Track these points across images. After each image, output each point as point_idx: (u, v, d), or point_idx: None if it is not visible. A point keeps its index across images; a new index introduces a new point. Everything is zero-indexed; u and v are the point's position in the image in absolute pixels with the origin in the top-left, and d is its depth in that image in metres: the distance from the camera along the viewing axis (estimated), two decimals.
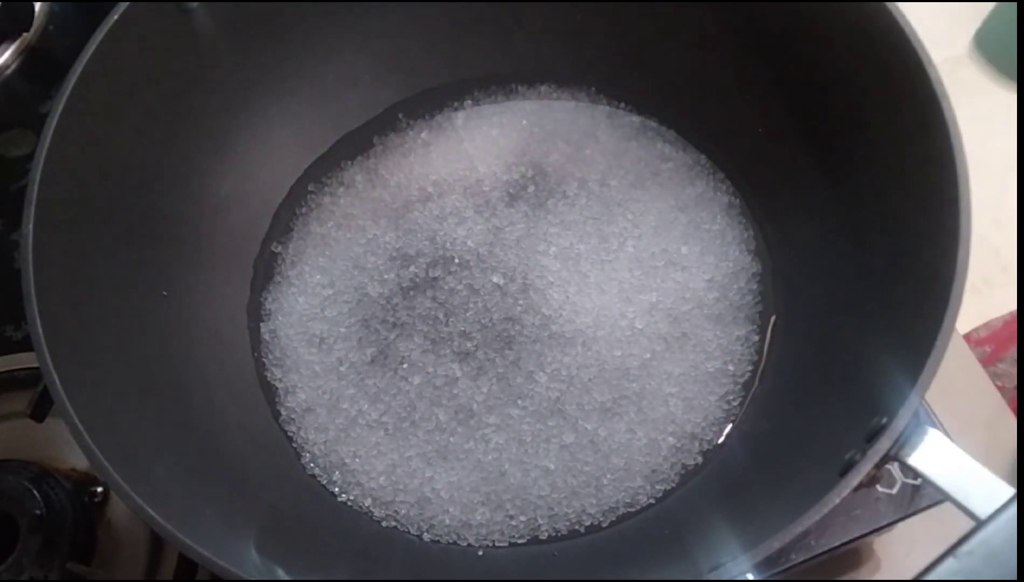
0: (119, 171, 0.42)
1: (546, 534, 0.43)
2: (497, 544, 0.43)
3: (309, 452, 0.45)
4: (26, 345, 0.45)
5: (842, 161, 0.43)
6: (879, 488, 0.40)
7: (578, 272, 0.48)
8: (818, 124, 0.44)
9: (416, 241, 0.50)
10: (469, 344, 0.47)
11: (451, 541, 0.43)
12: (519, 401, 0.45)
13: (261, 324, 0.48)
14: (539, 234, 0.49)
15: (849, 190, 0.43)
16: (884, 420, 0.31)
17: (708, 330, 0.46)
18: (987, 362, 0.50)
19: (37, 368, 0.34)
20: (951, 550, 0.28)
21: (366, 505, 0.44)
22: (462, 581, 0.42)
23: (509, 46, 0.52)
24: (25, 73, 0.58)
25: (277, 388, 0.47)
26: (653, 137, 0.51)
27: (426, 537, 0.43)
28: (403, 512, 0.44)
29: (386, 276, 0.49)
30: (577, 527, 0.43)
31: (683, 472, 0.44)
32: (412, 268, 0.49)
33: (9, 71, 0.58)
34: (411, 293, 0.48)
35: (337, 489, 0.44)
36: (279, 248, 0.50)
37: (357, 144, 0.53)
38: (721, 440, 0.44)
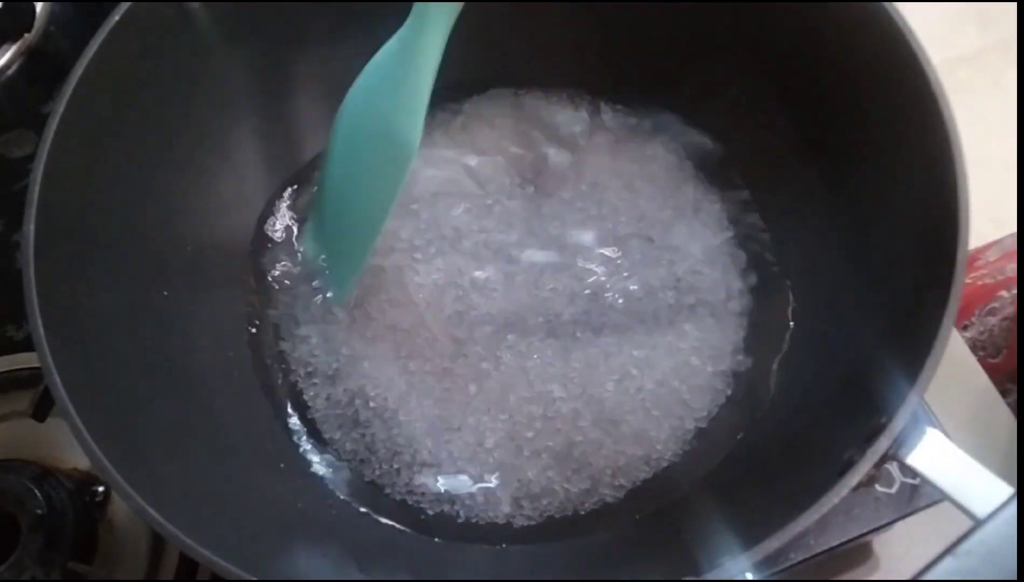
0: (120, 171, 0.42)
1: (534, 522, 0.43)
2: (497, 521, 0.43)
3: (311, 450, 0.45)
4: (27, 345, 0.45)
5: (841, 161, 0.43)
6: (878, 487, 0.40)
7: (578, 269, 0.48)
8: (817, 125, 0.44)
9: (427, 249, 0.50)
10: (471, 347, 0.47)
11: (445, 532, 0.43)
12: (519, 399, 0.45)
13: (262, 324, 0.48)
14: (539, 233, 0.49)
15: (848, 190, 0.43)
16: (883, 419, 0.31)
17: (707, 330, 0.46)
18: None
19: (38, 368, 0.34)
20: (950, 549, 0.28)
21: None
22: (465, 581, 0.42)
23: (508, 47, 0.52)
24: (26, 74, 0.58)
25: (279, 387, 0.47)
26: (652, 137, 0.51)
27: (430, 537, 0.43)
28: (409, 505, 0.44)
29: None
30: (574, 526, 0.43)
31: (682, 471, 0.44)
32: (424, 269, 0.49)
33: (10, 72, 0.58)
34: None
35: (339, 488, 0.44)
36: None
37: None
38: (721, 440, 0.45)
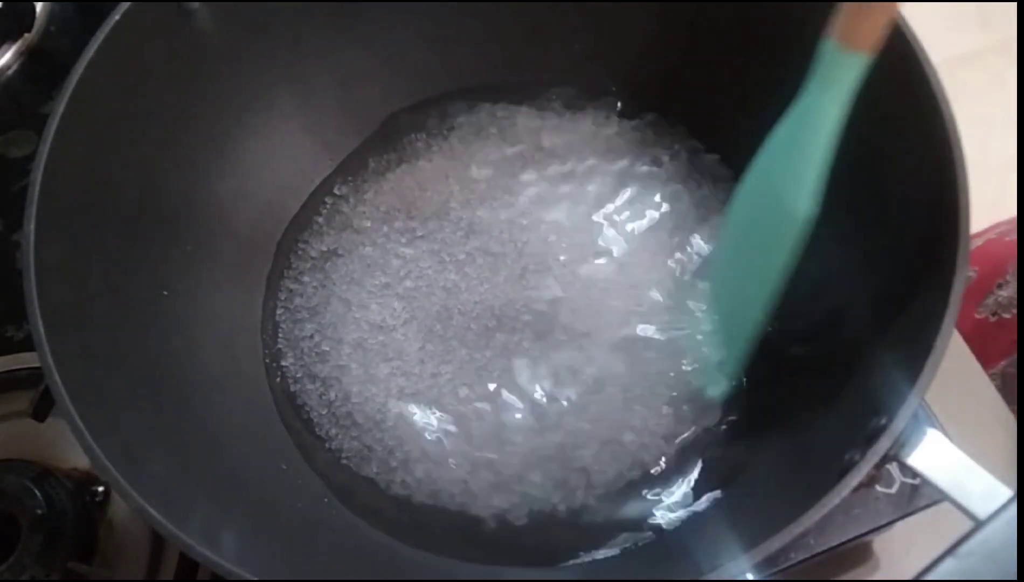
0: (120, 171, 0.42)
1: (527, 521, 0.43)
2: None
3: (310, 450, 0.45)
4: (27, 345, 0.45)
5: (841, 162, 0.43)
6: (878, 488, 0.40)
7: (570, 272, 0.48)
8: None
9: (421, 247, 0.50)
10: (459, 346, 0.47)
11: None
12: (509, 398, 0.45)
13: (264, 324, 0.48)
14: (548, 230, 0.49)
15: (848, 190, 0.43)
16: (884, 420, 0.31)
17: (704, 330, 0.46)
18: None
19: (38, 368, 0.34)
20: (951, 550, 0.28)
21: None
22: (464, 581, 0.42)
23: (511, 51, 0.52)
24: (26, 74, 0.58)
25: (277, 388, 0.47)
26: (652, 140, 0.51)
27: (429, 536, 0.43)
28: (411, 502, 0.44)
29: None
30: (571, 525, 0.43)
31: (681, 471, 0.44)
32: (418, 269, 0.49)
33: (10, 72, 0.58)
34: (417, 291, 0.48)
35: (339, 488, 0.44)
36: (281, 248, 0.50)
37: (359, 146, 0.53)
38: (720, 439, 0.45)
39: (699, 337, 0.45)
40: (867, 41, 0.33)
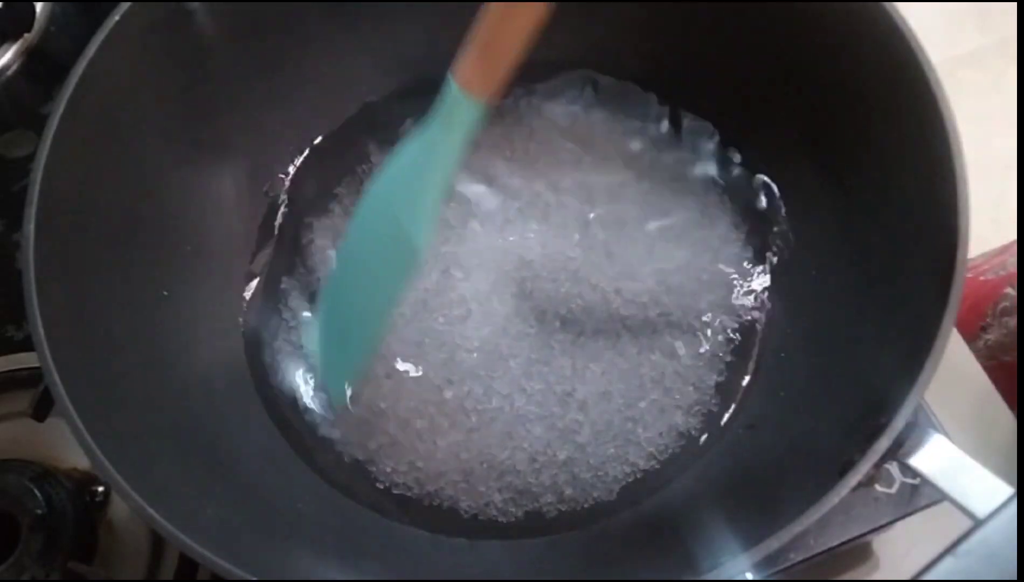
0: (120, 171, 0.42)
1: (531, 521, 0.43)
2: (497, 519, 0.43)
3: (310, 450, 0.45)
4: (27, 345, 0.45)
5: (841, 161, 0.43)
6: (878, 487, 0.40)
7: (570, 275, 0.48)
8: (817, 125, 0.44)
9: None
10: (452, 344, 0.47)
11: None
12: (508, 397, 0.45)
13: (266, 322, 0.48)
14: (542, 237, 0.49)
15: (848, 190, 0.43)
16: (883, 420, 0.31)
17: (706, 329, 0.46)
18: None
19: (38, 368, 0.34)
20: (950, 549, 0.28)
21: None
22: (462, 580, 0.42)
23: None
24: (26, 74, 0.58)
25: (277, 387, 0.47)
26: (652, 139, 0.51)
27: (429, 536, 0.43)
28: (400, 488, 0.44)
29: None
30: (570, 524, 0.43)
31: (681, 471, 0.44)
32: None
33: (10, 72, 0.58)
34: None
35: (338, 488, 0.44)
36: (282, 245, 0.50)
37: (360, 146, 0.53)
38: (720, 439, 0.45)
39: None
40: (483, 90, 0.34)
